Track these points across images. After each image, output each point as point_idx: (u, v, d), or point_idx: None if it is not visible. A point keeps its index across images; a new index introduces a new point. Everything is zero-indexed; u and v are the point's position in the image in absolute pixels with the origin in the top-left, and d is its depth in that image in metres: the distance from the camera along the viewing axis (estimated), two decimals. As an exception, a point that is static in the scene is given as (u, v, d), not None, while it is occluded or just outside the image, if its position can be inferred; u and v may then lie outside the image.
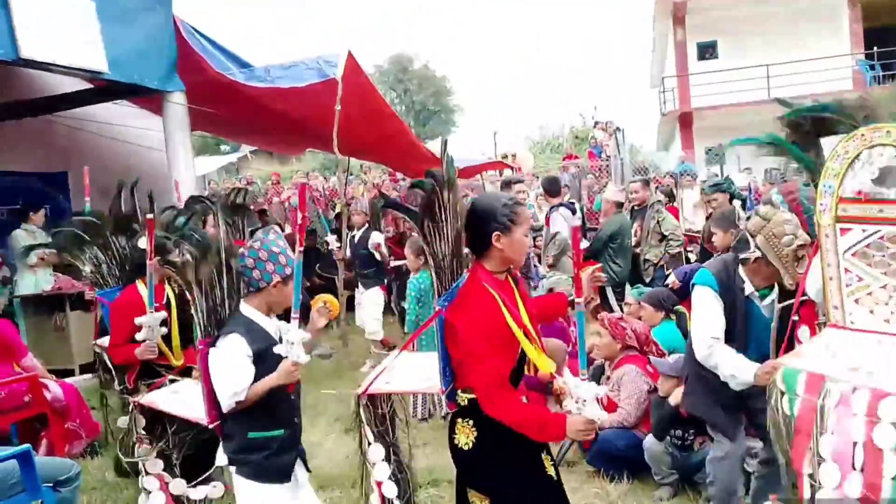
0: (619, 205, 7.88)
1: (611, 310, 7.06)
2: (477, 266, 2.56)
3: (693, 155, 21.09)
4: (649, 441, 4.36)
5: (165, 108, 8.04)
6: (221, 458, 2.90)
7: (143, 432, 3.49)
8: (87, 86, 8.96)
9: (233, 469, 2.86)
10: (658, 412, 4.28)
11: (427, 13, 77.88)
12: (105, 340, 4.45)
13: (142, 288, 3.93)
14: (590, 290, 2.77)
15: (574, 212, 7.77)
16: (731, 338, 3.40)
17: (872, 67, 21.25)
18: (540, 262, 7.32)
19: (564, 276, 6.54)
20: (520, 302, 2.57)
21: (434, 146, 17.96)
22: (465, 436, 2.53)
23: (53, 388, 5.33)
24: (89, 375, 7.47)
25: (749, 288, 3.43)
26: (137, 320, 3.76)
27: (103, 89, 8.61)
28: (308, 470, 3.04)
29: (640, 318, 5.39)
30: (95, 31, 6.94)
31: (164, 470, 3.47)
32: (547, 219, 7.34)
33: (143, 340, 3.88)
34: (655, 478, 4.33)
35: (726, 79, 20.62)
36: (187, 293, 2.98)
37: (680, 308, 5.50)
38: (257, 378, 2.79)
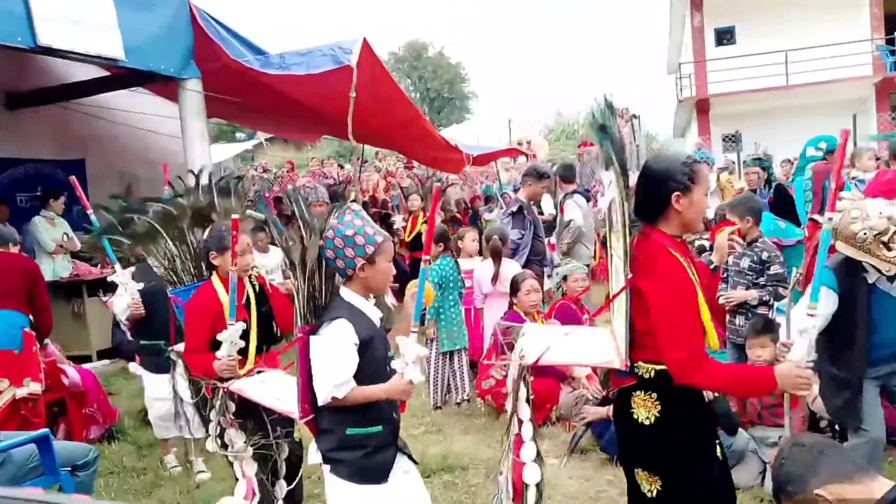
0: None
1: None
2: (652, 231, 2.45)
3: (710, 142, 20.92)
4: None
5: (181, 96, 8.06)
6: (314, 455, 2.67)
7: (234, 417, 3.32)
8: (104, 73, 9.01)
9: (327, 468, 2.63)
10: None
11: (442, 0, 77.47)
12: (181, 346, 3.95)
13: (218, 284, 3.50)
14: (724, 256, 2.77)
15: (588, 199, 7.75)
16: (851, 327, 3.39)
17: (893, 53, 20.94)
18: (554, 249, 7.30)
19: (579, 263, 6.52)
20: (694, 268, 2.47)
21: (449, 133, 17.94)
22: (647, 410, 2.43)
23: (71, 374, 5.40)
24: (107, 361, 7.58)
25: (873, 276, 3.39)
26: (219, 336, 3.29)
27: (120, 77, 8.66)
28: (414, 462, 2.82)
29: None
30: (112, 19, 6.96)
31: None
32: (561, 206, 7.32)
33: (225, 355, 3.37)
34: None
35: (744, 64, 20.39)
36: (290, 276, 2.80)
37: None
38: (358, 369, 2.56)
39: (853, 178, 6.99)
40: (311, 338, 2.61)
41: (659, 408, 2.41)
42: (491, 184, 13.95)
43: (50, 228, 8.12)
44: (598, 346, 2.73)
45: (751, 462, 4.26)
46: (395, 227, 9.38)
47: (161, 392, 4.50)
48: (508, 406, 2.86)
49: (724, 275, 5.08)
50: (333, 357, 2.54)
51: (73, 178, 4.98)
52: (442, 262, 5.87)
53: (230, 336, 3.28)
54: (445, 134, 14.99)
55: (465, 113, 42.10)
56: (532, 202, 6.67)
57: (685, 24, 23.59)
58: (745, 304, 4.78)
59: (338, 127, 8.90)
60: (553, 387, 5.28)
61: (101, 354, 7.68)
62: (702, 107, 22.26)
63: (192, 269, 3.86)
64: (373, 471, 2.60)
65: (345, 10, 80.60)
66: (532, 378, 2.75)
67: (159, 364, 4.49)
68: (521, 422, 2.76)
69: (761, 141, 16.16)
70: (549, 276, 6.78)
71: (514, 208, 6.48)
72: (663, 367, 2.37)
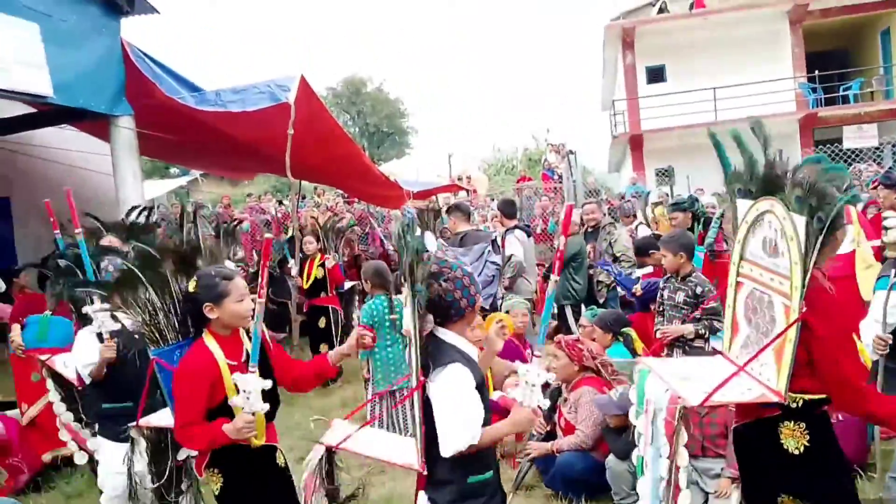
0: (576, 226, 7.97)
1: (569, 329, 7.11)
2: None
3: (644, 176, 21.49)
4: (612, 461, 4.36)
5: (113, 133, 7.88)
6: None
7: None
8: (31, 110, 8.74)
9: None
10: (624, 434, 4.26)
11: (380, 35, 78.27)
12: (159, 417, 3.44)
13: (212, 343, 2.96)
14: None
15: (529, 234, 7.83)
16: None
17: (814, 90, 22.01)
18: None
19: (520, 298, 6.56)
20: None
21: (389, 167, 17.99)
22: (796, 440, 2.57)
23: (-7, 424, 5.13)
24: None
25: None
26: (237, 397, 2.80)
27: (48, 113, 8.41)
28: None
29: (593, 340, 5.42)
30: (40, 55, 6.77)
31: None
32: (502, 241, 7.37)
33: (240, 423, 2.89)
34: (615, 498, 4.33)
35: (674, 101, 21.11)
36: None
37: (627, 330, 5.54)
38: None
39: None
40: (431, 386, 2.47)
41: (808, 437, 2.56)
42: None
43: (-29, 270, 7.77)
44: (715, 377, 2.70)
45: (693, 494, 4.29)
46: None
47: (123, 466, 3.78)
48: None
49: (660, 308, 5.18)
50: (463, 403, 2.43)
51: (47, 201, 4.54)
52: (374, 302, 5.80)
53: (256, 384, 2.77)
54: (385, 168, 15.03)
55: (405, 147, 42.36)
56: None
57: (618, 62, 24.34)
58: (682, 337, 4.87)
59: (275, 164, 8.83)
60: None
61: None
62: (635, 142, 22.89)
63: (175, 326, 3.26)
64: None
65: (281, 47, 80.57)
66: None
67: (122, 433, 3.77)
68: (678, 468, 2.76)
69: (693, 174, 16.71)
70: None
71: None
72: (813, 396, 2.53)
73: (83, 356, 3.98)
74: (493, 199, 16.22)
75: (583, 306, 7.56)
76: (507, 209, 7.63)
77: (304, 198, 15.13)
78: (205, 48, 74.74)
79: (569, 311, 7.40)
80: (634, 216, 9.51)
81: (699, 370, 2.86)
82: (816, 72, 21.72)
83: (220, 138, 9.04)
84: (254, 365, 2.81)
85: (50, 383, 3.78)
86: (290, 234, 11.42)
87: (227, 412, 2.86)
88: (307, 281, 8.40)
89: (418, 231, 2.57)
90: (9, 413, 5.75)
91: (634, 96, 22.88)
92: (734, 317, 2.87)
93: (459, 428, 2.41)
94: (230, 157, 11.01)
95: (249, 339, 2.97)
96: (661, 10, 22.77)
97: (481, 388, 2.50)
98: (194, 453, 3.27)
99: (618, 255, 7.83)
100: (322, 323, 8.12)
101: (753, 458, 2.77)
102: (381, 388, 5.69)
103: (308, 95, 8.20)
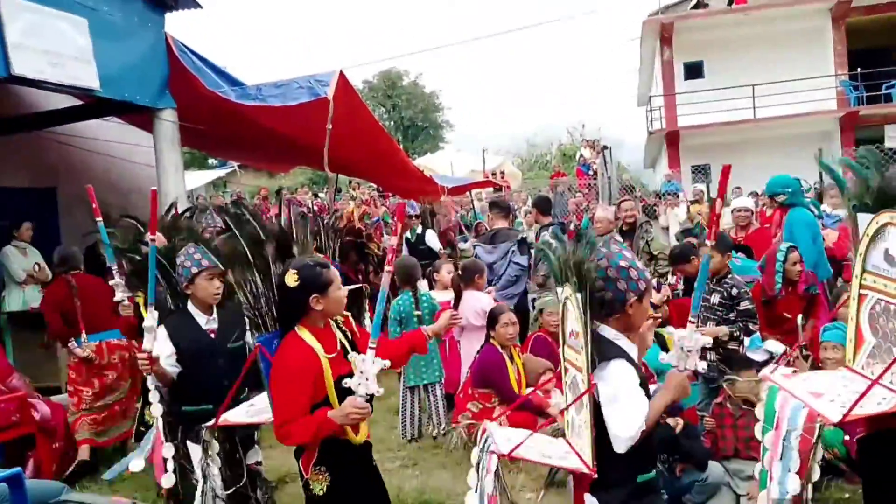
0: (611, 223, 7.94)
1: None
2: None
3: (679, 173, 21.29)
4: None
5: (156, 125, 8.05)
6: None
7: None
8: (78, 102, 8.96)
9: None
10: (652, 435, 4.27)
11: (417, 29, 78.32)
12: (237, 415, 3.29)
13: (308, 336, 2.82)
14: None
15: (564, 230, 7.83)
16: None
17: (856, 88, 21.58)
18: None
19: (554, 296, 6.57)
20: None
21: (423, 161, 18.06)
22: None
23: (41, 408, 5.30)
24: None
25: None
26: (347, 382, 2.65)
27: (94, 106, 8.63)
28: None
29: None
30: (88, 49, 6.95)
31: None
32: (536, 238, 7.39)
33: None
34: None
35: (712, 98, 20.85)
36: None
37: (661, 331, 5.54)
38: None
39: (823, 213, 7.12)
40: (600, 381, 2.44)
41: None
42: (466, 213, 14.06)
43: (21, 258, 8.00)
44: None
45: (724, 495, 4.31)
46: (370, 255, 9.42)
47: None
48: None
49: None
50: (631, 394, 2.42)
51: (90, 186, 4.24)
52: (402, 299, 5.91)
53: (374, 366, 2.63)
54: (419, 162, 15.12)
55: (440, 141, 42.40)
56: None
57: (655, 58, 24.11)
58: (716, 339, 4.85)
59: (312, 157, 8.95)
60: (529, 420, 5.30)
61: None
62: (672, 139, 22.67)
63: (273, 313, 3.24)
64: None
65: (320, 38, 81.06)
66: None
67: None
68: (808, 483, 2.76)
69: (731, 174, 16.50)
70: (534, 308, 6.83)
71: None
72: None
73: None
74: (528, 196, 16.22)
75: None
76: (543, 206, 7.64)
77: (339, 191, 15.27)
78: (244, 42, 75.52)
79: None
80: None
81: (828, 385, 2.83)
82: (859, 69, 21.29)
83: (259, 131, 9.18)
84: (374, 341, 2.65)
85: (151, 381, 3.65)
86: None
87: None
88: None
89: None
90: (54, 398, 5.96)
91: (672, 92, 22.65)
92: (858, 328, 2.84)
93: (630, 418, 2.39)
94: (268, 150, 11.17)
95: (340, 329, 2.96)
96: (698, 5, 22.48)
97: (643, 385, 2.48)
98: (260, 458, 3.56)
99: (655, 253, 7.79)
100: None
101: (881, 468, 2.74)
102: (410, 384, 5.83)
103: (346, 91, 8.28)
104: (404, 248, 9.75)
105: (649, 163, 28.05)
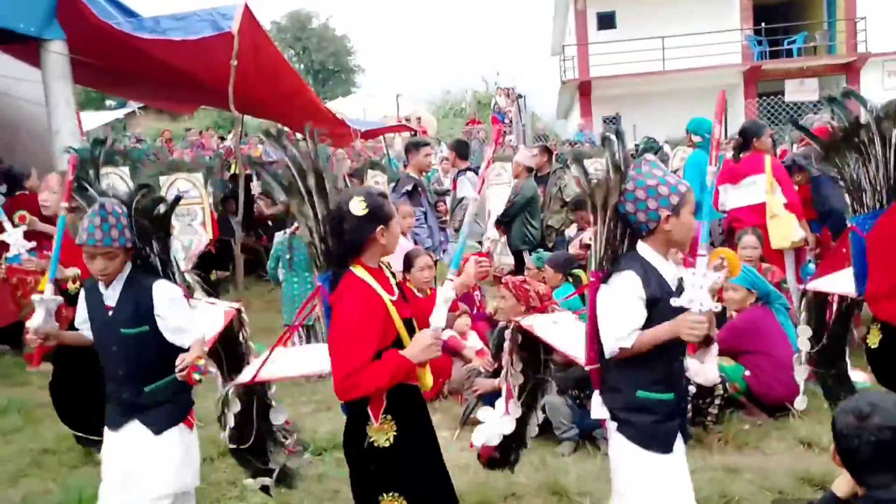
0: (530, 169, 7.95)
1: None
2: None
3: (591, 123, 21.61)
4: (549, 395, 4.44)
5: (44, 58, 7.45)
6: (596, 407, 2.62)
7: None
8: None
9: (613, 424, 2.56)
10: (568, 371, 4.32)
11: (327, -30, 75.76)
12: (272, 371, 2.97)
13: (366, 275, 2.54)
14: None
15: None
16: None
17: (760, 42, 22.30)
18: (447, 226, 7.33)
19: (472, 241, 6.57)
20: None
21: (335, 106, 17.59)
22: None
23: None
24: None
25: None
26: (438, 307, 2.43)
27: (-28, 35, 7.91)
28: (686, 439, 2.67)
29: (542, 281, 5.48)
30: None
31: None
32: (454, 182, 7.33)
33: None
34: (556, 432, 4.42)
35: (623, 49, 21.12)
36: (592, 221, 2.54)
37: (577, 272, 5.62)
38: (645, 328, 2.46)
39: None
40: (602, 286, 2.50)
41: None
42: (380, 159, 13.84)
43: None
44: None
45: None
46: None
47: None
48: None
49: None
50: (620, 308, 2.45)
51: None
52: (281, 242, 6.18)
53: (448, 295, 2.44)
54: (331, 106, 14.69)
55: (352, 86, 41.49)
56: (422, 174, 6.68)
57: (569, 7, 24.14)
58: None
59: (217, 96, 8.53)
60: (445, 361, 5.30)
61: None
62: (584, 89, 22.91)
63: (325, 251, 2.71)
64: (659, 438, 2.51)
65: (225, -23, 77.32)
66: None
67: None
68: None
69: (640, 123, 16.86)
70: (445, 252, 6.78)
71: (409, 187, 6.40)
72: None
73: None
74: (439, 142, 16.10)
75: (526, 252, 7.63)
76: (461, 150, 7.56)
77: (246, 134, 14.71)
78: (141, -25, 71.21)
79: (527, 256, 7.45)
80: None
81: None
82: (763, 24, 21.96)
83: (159, 68, 8.65)
84: (453, 271, 2.47)
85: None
86: (233, 170, 11.14)
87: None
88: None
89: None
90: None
91: (584, 42, 22.80)
92: None
93: (610, 331, 2.46)
94: (170, 89, 10.59)
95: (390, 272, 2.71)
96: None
97: (656, 305, 2.44)
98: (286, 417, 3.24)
99: (567, 199, 7.88)
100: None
101: None
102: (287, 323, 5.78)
103: (252, 26, 7.90)
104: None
105: (562, 113, 28.34)
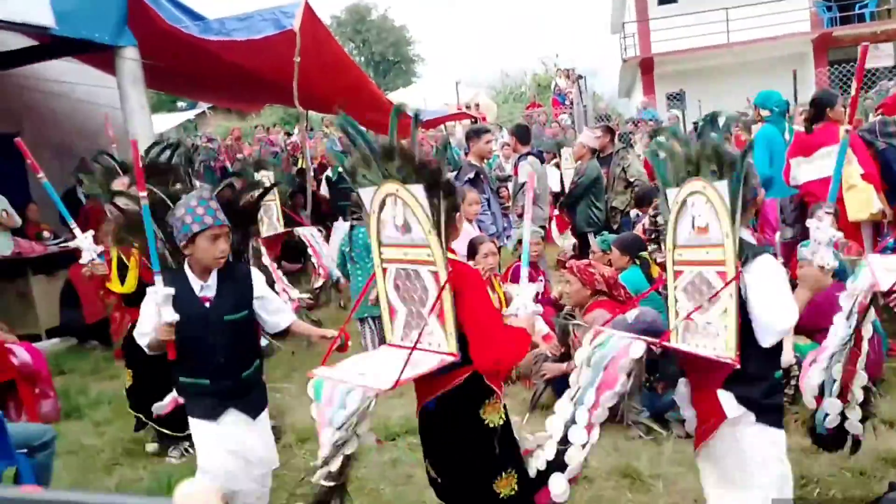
0: (593, 151, 7.90)
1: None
2: None
3: (654, 101, 21.17)
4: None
5: (118, 65, 7.77)
6: (731, 406, 2.48)
7: None
8: (34, 42, 8.61)
9: (751, 417, 2.50)
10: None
11: (383, -39, 75.94)
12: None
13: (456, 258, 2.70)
14: None
15: (542, 160, 7.78)
16: None
17: (829, 9, 21.39)
18: (509, 212, 7.33)
19: (534, 226, 6.57)
20: None
21: (395, 97, 17.72)
22: None
23: (20, 354, 5.23)
24: (56, 340, 7.39)
25: None
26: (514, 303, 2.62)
27: (51, 46, 8.28)
28: None
29: (608, 264, 5.46)
30: (39, -16, 6.63)
31: None
32: (515, 168, 7.33)
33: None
34: (627, 416, 4.42)
35: (686, 23, 20.59)
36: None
37: (644, 254, 5.57)
38: None
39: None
40: (749, 274, 2.42)
41: None
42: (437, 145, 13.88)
43: (-17, 206, 7.81)
44: None
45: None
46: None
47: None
48: None
49: (653, 235, 5.16)
50: (785, 286, 2.47)
51: (18, 140, 4.08)
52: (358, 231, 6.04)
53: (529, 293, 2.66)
54: (392, 97, 14.81)
55: (412, 76, 41.65)
56: (484, 161, 6.71)
57: (628, -17, 23.67)
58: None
59: (282, 94, 8.73)
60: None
61: (50, 333, 7.49)
62: (646, 66, 22.45)
63: None
64: (780, 412, 2.61)
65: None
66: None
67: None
68: None
69: (705, 99, 16.43)
70: (508, 238, 6.81)
71: (471, 174, 6.44)
72: None
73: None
74: (500, 127, 16.04)
75: (591, 235, 7.58)
76: (521, 135, 7.54)
77: (311, 129, 14.99)
78: (203, -23, 72.88)
79: (592, 238, 7.40)
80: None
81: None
82: (832, -11, 21.09)
83: (225, 69, 8.91)
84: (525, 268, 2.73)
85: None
86: (300, 165, 11.39)
87: None
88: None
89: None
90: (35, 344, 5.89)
91: (645, 18, 22.31)
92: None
93: (787, 309, 2.44)
94: (237, 89, 10.88)
95: None
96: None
97: None
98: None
99: (631, 180, 7.79)
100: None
101: None
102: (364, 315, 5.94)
103: (313, 22, 8.04)
104: (324, 186, 9.97)
105: (624, 91, 27.84)
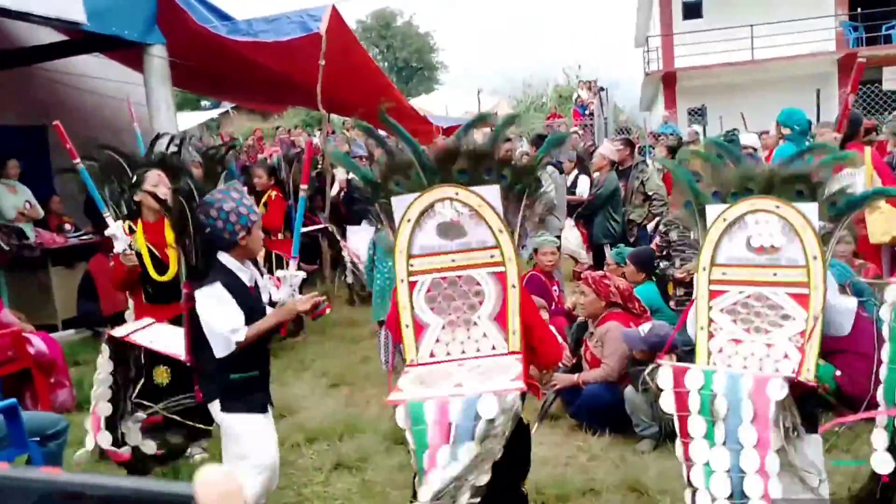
0: (613, 163, 7.90)
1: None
2: None
3: (675, 115, 21.09)
4: (630, 392, 4.43)
5: (146, 62, 7.89)
6: None
7: None
8: (65, 37, 8.75)
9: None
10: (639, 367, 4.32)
11: (410, -33, 76.30)
12: None
13: None
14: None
15: (561, 171, 7.78)
16: None
17: (855, 29, 21.24)
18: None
19: (550, 236, 6.58)
20: None
21: (417, 103, 17.82)
22: None
23: (36, 343, 5.30)
24: (72, 331, 7.47)
25: None
26: None
27: (81, 41, 8.42)
28: None
29: (622, 276, 5.45)
30: (73, -20, 6.75)
31: None
32: (534, 176, 7.33)
33: None
34: (636, 430, 4.42)
35: (710, 39, 20.52)
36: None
37: (660, 270, 5.56)
38: None
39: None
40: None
41: None
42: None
43: (10, 196, 7.92)
44: None
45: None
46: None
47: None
48: None
49: (664, 252, 5.16)
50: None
51: (57, 123, 4.29)
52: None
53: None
54: (414, 103, 14.90)
55: (434, 83, 41.79)
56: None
57: (653, -3, 23.63)
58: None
59: (306, 96, 8.80)
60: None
61: (67, 324, 7.57)
62: (668, 80, 22.38)
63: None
64: None
65: (311, -23, 79.01)
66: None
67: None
68: None
69: (726, 115, 16.35)
70: (523, 248, 6.81)
71: None
72: None
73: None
74: (521, 137, 16.05)
75: (607, 247, 7.55)
76: (539, 144, 7.56)
77: (333, 132, 15.08)
78: (232, -22, 73.57)
79: (608, 251, 7.39)
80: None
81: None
82: (859, 10, 20.91)
83: (251, 69, 9.01)
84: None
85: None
86: (319, 168, 11.43)
87: None
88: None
89: None
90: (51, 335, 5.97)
91: (669, 33, 22.26)
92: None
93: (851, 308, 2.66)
94: (261, 89, 10.98)
95: None
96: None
97: None
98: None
99: (649, 194, 7.77)
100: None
101: None
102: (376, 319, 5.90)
103: (339, 26, 8.11)
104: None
105: (646, 105, 27.74)
